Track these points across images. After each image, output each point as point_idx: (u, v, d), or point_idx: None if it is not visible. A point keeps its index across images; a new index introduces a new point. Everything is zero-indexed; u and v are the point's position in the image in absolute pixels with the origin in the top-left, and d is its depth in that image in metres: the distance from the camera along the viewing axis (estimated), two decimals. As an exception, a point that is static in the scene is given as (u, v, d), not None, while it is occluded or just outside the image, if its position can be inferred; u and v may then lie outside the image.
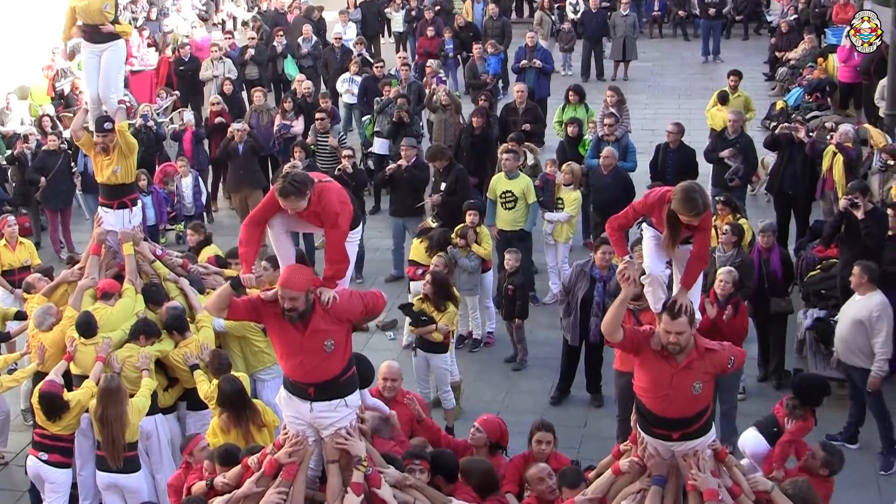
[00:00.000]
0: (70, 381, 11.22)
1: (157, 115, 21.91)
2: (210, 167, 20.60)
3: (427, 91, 21.01)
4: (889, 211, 13.61)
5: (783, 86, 25.38)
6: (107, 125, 11.50)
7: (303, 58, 25.26)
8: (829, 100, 22.46)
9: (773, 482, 8.08)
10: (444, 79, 22.69)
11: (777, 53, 27.39)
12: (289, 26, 27.24)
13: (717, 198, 15.21)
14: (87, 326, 11.21)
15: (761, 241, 13.85)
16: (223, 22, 31.89)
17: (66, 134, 19.12)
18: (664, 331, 7.48)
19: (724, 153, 17.19)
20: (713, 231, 13.81)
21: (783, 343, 14.14)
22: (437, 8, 28.78)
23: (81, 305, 11.55)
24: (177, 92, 24.24)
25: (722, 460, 7.88)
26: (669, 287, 8.04)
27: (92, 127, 11.72)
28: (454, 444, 9.55)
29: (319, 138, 19.02)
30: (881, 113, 19.68)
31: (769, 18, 31.59)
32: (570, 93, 20.05)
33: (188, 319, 11.61)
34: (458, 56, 27.02)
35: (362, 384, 8.45)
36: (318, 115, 19.17)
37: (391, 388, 9.96)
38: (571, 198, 16.19)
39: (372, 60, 24.20)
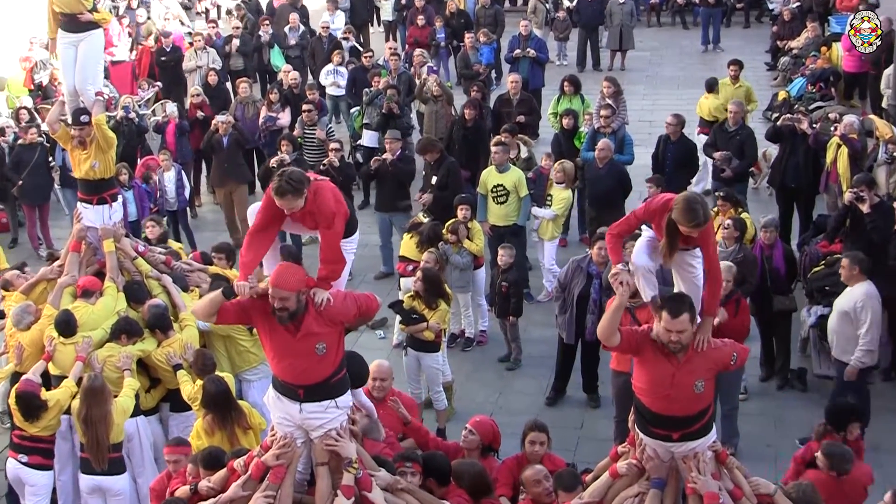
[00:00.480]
0: (49, 381, 11.20)
1: (139, 107, 21.87)
2: (194, 161, 20.58)
3: (417, 82, 20.99)
4: (896, 204, 13.66)
5: (785, 76, 25.40)
6: (83, 118, 11.47)
7: (289, 48, 25.25)
8: (832, 90, 22.49)
9: (776, 485, 8.09)
10: (435, 69, 22.71)
11: (779, 42, 27.44)
12: (274, 15, 27.22)
13: (717, 192, 15.24)
14: (66, 325, 11.18)
15: (763, 236, 13.87)
16: (207, 11, 31.85)
17: (45, 127, 19.08)
18: (664, 329, 7.45)
19: (717, 155, 17.21)
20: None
21: (788, 342, 14.17)
22: (428, -5, 28.78)
23: (61, 304, 11.51)
24: (159, 83, 24.19)
25: (723, 462, 7.88)
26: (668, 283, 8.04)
27: (69, 120, 11.71)
28: (444, 446, 9.54)
29: (307, 131, 19.01)
30: (885, 103, 19.73)
31: (771, 6, 31.57)
32: (566, 83, 20.04)
33: (171, 318, 11.59)
34: (450, 45, 26.99)
35: (356, 383, 8.46)
36: (305, 107, 19.16)
37: (381, 388, 9.95)
38: (560, 196, 16.13)
39: (361, 50, 24.18)
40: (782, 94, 22.59)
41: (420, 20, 26.46)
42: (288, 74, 21.71)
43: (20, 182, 18.63)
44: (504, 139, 16.77)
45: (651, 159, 17.75)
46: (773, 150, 18.36)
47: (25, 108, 21.14)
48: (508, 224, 16.13)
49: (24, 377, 10.91)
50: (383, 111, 19.56)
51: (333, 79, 22.98)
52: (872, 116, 18.65)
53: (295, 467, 7.68)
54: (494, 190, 16.03)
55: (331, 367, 7.52)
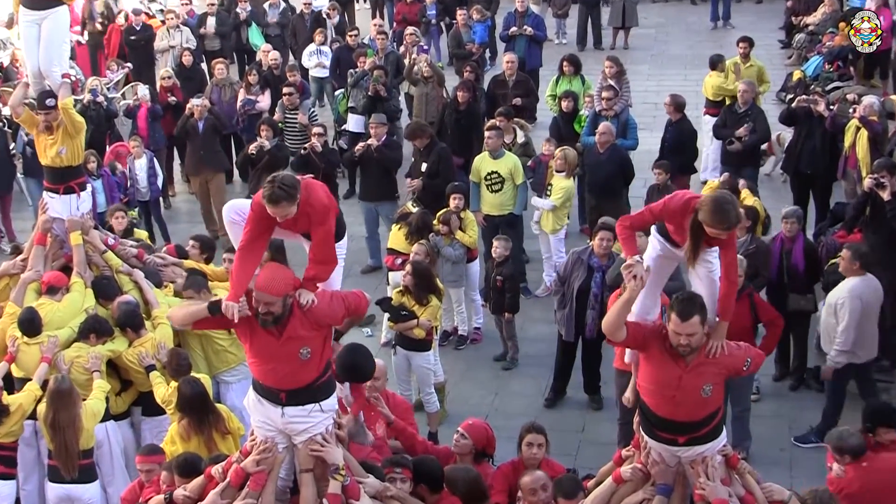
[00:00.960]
0: (12, 384, 11.20)
1: (108, 89, 21.83)
2: (167, 147, 20.55)
3: (406, 62, 20.98)
4: (920, 191, 13.65)
5: (801, 54, 25.42)
6: (49, 102, 11.44)
7: (269, 26, 25.22)
8: (851, 69, 22.50)
9: (790, 492, 8.12)
10: (425, 48, 22.69)
11: (794, 18, 27.44)
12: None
13: (722, 182, 15.24)
14: (30, 324, 11.18)
15: (785, 228, 13.78)
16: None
17: (6, 111, 19.04)
18: (673, 332, 7.46)
19: (741, 131, 17.24)
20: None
21: (805, 342, 14.19)
22: (418, -30, 28.75)
23: (25, 301, 11.51)
24: (129, 64, 24.15)
25: (734, 467, 7.91)
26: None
27: (34, 103, 11.69)
28: (433, 450, 9.53)
29: (288, 115, 19.02)
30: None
31: (785, -21, 31.61)
32: (565, 63, 20.05)
33: (143, 315, 11.59)
34: (441, 23, 26.98)
35: (362, 378, 8.64)
36: (285, 90, 19.16)
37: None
38: (560, 186, 16.08)
39: (346, 28, 24.17)
40: (797, 74, 22.62)
41: (409, -5, 26.48)
42: (268, 54, 21.70)
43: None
44: (499, 123, 16.79)
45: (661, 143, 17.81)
46: (787, 133, 18.39)
47: (-16, 91, 21.12)
48: (504, 214, 16.16)
49: (-16, 380, 10.92)
50: (369, 93, 19.53)
51: (317, 59, 22.98)
52: (894, 97, 18.67)
53: (277, 474, 7.70)
54: (489, 177, 16.04)
55: (315, 371, 7.56)
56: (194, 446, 9.81)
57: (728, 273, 7.73)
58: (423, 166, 16.66)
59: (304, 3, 25.64)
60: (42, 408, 10.52)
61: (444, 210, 15.08)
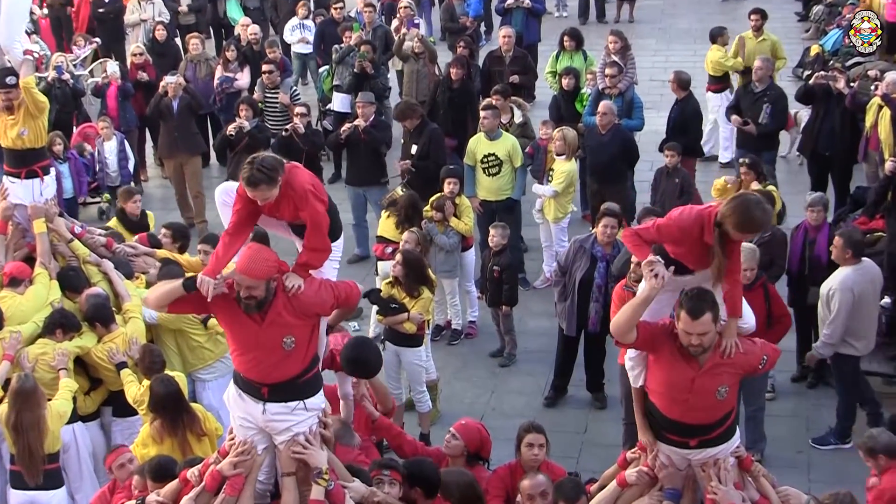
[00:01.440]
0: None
1: (74, 66, 21.79)
2: (139, 129, 20.53)
3: (396, 37, 20.95)
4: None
5: (819, 27, 25.42)
6: (9, 80, 11.39)
7: (248, -2, 25.23)
8: (873, 43, 22.50)
9: (808, 496, 8.11)
10: (416, 22, 22.64)
11: (811, -11, 27.46)
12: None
13: (741, 160, 15.23)
14: (-10, 319, 11.17)
15: (809, 216, 13.65)
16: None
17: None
18: (684, 331, 7.44)
19: (734, 120, 17.29)
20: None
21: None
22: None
23: (-16, 294, 11.51)
24: (97, 39, 24.09)
25: (747, 470, 7.93)
26: None
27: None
28: (424, 452, 9.51)
29: (268, 94, 18.99)
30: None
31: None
32: (566, 38, 20.05)
33: (113, 309, 11.57)
34: (433, -5, 27.01)
35: (368, 374, 8.76)
36: (265, 68, 19.13)
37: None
38: (560, 170, 16.04)
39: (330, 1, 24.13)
40: (815, 49, 22.59)
41: (398, -35, 26.43)
42: (246, 29, 21.65)
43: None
44: (495, 102, 16.76)
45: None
46: (804, 112, 18.39)
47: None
48: (501, 199, 16.16)
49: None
50: (355, 71, 19.50)
51: (300, 34, 22.95)
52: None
53: (255, 477, 7.69)
54: (485, 160, 16.03)
55: (299, 364, 7.56)
56: (168, 449, 9.77)
57: (733, 271, 7.69)
58: (414, 148, 16.64)
59: (286, -26, 25.66)
60: (4, 409, 10.47)
61: (438, 195, 15.04)
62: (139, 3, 23.92)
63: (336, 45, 20.61)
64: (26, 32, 12.35)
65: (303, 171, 7.63)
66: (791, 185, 17.46)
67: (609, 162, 16.32)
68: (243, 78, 20.26)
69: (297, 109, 17.61)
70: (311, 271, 7.67)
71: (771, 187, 14.58)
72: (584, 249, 13.34)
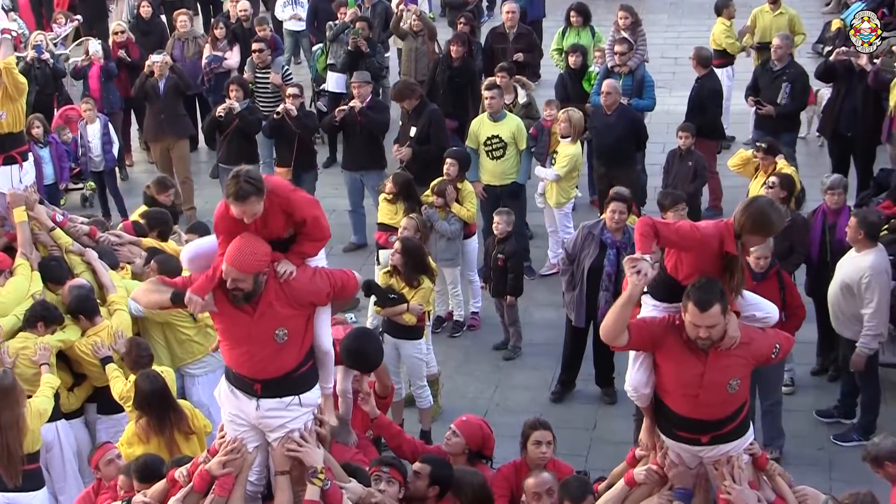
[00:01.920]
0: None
1: (55, 45, 21.79)
2: (123, 111, 20.53)
3: (394, 13, 20.94)
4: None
5: (840, 0, 25.38)
6: (-13, 60, 11.45)
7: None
8: (898, 17, 22.53)
9: (827, 496, 8.13)
10: (414, -3, 22.67)
11: (832, -40, 27.42)
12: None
13: (757, 143, 15.25)
14: (-32, 312, 11.20)
15: (829, 200, 13.64)
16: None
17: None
18: (692, 324, 7.44)
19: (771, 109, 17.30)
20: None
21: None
22: None
23: (-38, 286, 11.54)
24: (79, 17, 24.08)
25: (762, 468, 7.96)
26: None
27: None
28: (423, 449, 9.47)
29: (259, 74, 19.00)
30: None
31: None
32: (572, 13, 20.00)
33: (98, 301, 11.60)
34: (433, -32, 26.96)
35: (368, 367, 8.80)
36: (255, 46, 19.12)
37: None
38: (564, 153, 16.07)
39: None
40: (836, 24, 22.51)
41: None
42: (236, 5, 21.61)
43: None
44: (499, 81, 16.76)
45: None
46: (825, 90, 18.39)
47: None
48: (505, 183, 16.20)
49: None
50: (349, 48, 19.50)
51: (292, 10, 22.94)
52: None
53: (245, 477, 7.72)
54: (488, 142, 16.06)
55: (294, 358, 7.59)
56: (154, 448, 9.79)
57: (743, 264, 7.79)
58: (413, 130, 16.64)
59: (278, -54, 25.62)
60: (-20, 407, 10.49)
61: (438, 179, 15.06)
62: (123, -23, 23.95)
63: (330, 22, 20.63)
64: (3, 9, 12.40)
65: (276, 177, 7.73)
66: (811, 168, 17.48)
67: (615, 144, 16.34)
68: (233, 57, 20.28)
69: (290, 90, 17.59)
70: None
71: (791, 169, 14.57)
72: (593, 236, 13.34)
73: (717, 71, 19.27)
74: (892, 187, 14.82)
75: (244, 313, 7.46)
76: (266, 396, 7.57)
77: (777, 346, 7.80)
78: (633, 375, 7.96)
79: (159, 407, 10.05)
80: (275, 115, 17.27)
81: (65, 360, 11.46)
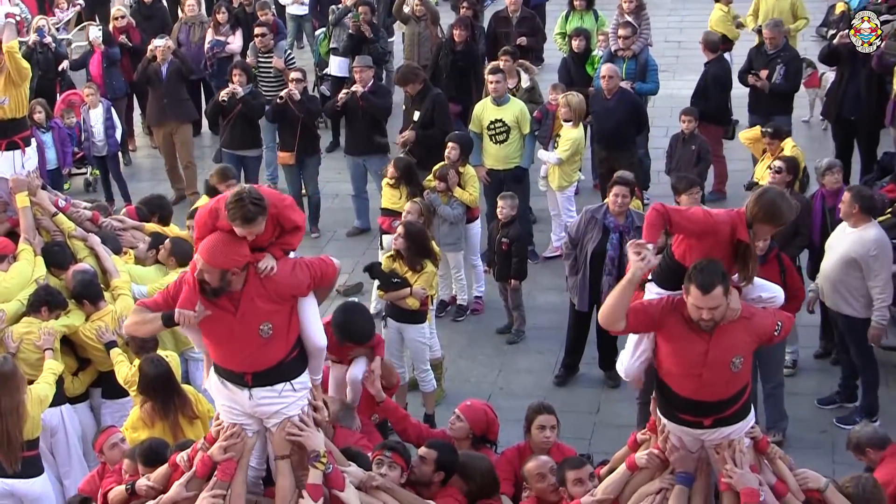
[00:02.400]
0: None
1: (57, 30, 21.78)
2: (126, 96, 20.51)
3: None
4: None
5: (844, -16, 25.32)
6: (-8, 45, 11.45)
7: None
8: (904, -1, 22.43)
9: (828, 479, 8.16)
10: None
11: (837, -58, 27.31)
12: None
13: (763, 130, 15.22)
14: (-29, 297, 11.22)
15: (826, 182, 13.65)
16: None
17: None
18: (694, 306, 7.47)
19: (758, 80, 17.28)
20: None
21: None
22: None
23: (-35, 271, 11.56)
24: (81, 1, 24.04)
25: (763, 451, 7.97)
26: None
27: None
28: (427, 434, 9.51)
29: (261, 59, 18.97)
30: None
31: None
32: (576, -4, 20.04)
33: (101, 286, 11.62)
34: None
35: (359, 338, 8.90)
36: (258, 31, 19.09)
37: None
38: (566, 137, 16.06)
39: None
40: (840, 6, 22.43)
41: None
42: (238, -12, 21.65)
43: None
44: (503, 65, 16.75)
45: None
46: (830, 73, 18.37)
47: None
48: (509, 168, 16.20)
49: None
50: (350, 32, 19.50)
51: (295, -7, 22.95)
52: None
53: (247, 462, 7.74)
54: (492, 127, 16.05)
55: (282, 350, 7.61)
56: (159, 432, 9.82)
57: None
58: (416, 115, 16.63)
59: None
60: (-20, 393, 10.48)
61: (441, 164, 15.07)
62: (124, -38, 23.91)
63: (333, 6, 20.59)
64: (6, -7, 12.35)
65: (266, 188, 7.75)
66: (814, 152, 17.43)
67: (616, 128, 16.34)
68: (235, 41, 20.26)
69: (293, 74, 17.58)
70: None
71: (798, 151, 14.56)
72: (596, 220, 13.32)
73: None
74: (895, 171, 14.82)
75: (226, 313, 7.47)
76: (258, 386, 7.59)
77: (779, 323, 7.82)
78: (630, 364, 8.06)
79: (164, 391, 10.08)
80: (278, 100, 17.25)
81: (69, 344, 11.48)
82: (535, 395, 12.84)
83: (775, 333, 7.84)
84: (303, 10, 22.91)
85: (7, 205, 11.90)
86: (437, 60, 18.80)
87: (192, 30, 20.48)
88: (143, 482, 8.28)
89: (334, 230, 17.66)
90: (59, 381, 10.99)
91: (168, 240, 12.25)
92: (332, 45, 20.27)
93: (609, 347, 13.81)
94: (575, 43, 18.44)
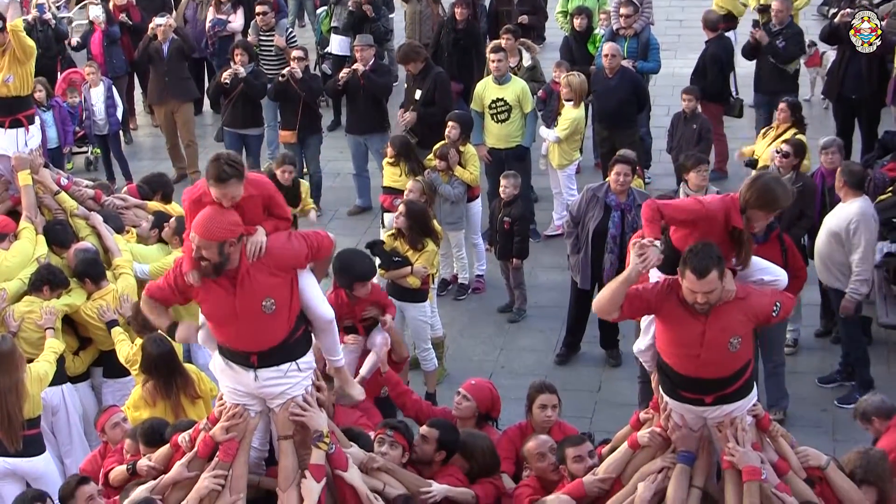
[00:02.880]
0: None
1: (58, 8, 21.73)
2: (127, 74, 20.47)
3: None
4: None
5: (845, -37, 25.25)
6: (-3, 23, 11.43)
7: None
8: (905, -21, 22.37)
9: (829, 457, 8.15)
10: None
11: (839, -82, 27.21)
12: None
13: (782, 103, 15.19)
14: (-27, 276, 11.21)
15: (824, 160, 13.64)
16: None
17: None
18: (689, 290, 7.46)
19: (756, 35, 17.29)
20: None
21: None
22: None
23: (-34, 249, 11.54)
24: (81, -21, 24.04)
25: (765, 430, 7.96)
26: None
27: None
28: (430, 412, 9.54)
29: (262, 37, 18.91)
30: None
31: None
32: (578, -25, 19.97)
33: (104, 265, 11.61)
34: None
35: (362, 276, 9.13)
36: (259, 9, 19.02)
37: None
38: (566, 117, 16.01)
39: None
40: (841, -15, 22.49)
41: None
42: (239, -33, 21.59)
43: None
44: (504, 44, 16.72)
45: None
46: (832, 53, 18.34)
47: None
48: (511, 146, 16.17)
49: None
50: (352, 11, 19.44)
51: (296, -29, 22.90)
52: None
53: (249, 443, 7.74)
54: (493, 105, 16.02)
55: (285, 326, 7.60)
56: (161, 412, 9.82)
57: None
58: (418, 94, 16.60)
59: None
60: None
61: (442, 143, 15.05)
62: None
63: (335, -16, 20.56)
64: (9, -28, 12.34)
65: (254, 173, 7.81)
66: (816, 131, 17.37)
67: (617, 107, 16.33)
68: (237, 20, 20.21)
69: (294, 53, 17.54)
70: None
71: (801, 136, 14.53)
72: (598, 198, 13.29)
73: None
74: (896, 149, 14.83)
75: (226, 292, 7.46)
76: (263, 366, 7.59)
77: (778, 304, 7.79)
78: (647, 345, 8.11)
79: (166, 371, 10.07)
80: (279, 79, 17.21)
81: (70, 323, 11.49)
82: (536, 373, 12.88)
83: (773, 314, 7.81)
84: (304, -12, 22.88)
85: (9, 183, 11.90)
86: (439, 39, 18.76)
87: (199, 7, 20.41)
88: (144, 462, 8.28)
89: (336, 209, 17.64)
90: (60, 361, 10.99)
91: (173, 218, 12.22)
92: (333, 24, 20.21)
93: (610, 326, 13.83)
94: (577, 21, 18.41)
